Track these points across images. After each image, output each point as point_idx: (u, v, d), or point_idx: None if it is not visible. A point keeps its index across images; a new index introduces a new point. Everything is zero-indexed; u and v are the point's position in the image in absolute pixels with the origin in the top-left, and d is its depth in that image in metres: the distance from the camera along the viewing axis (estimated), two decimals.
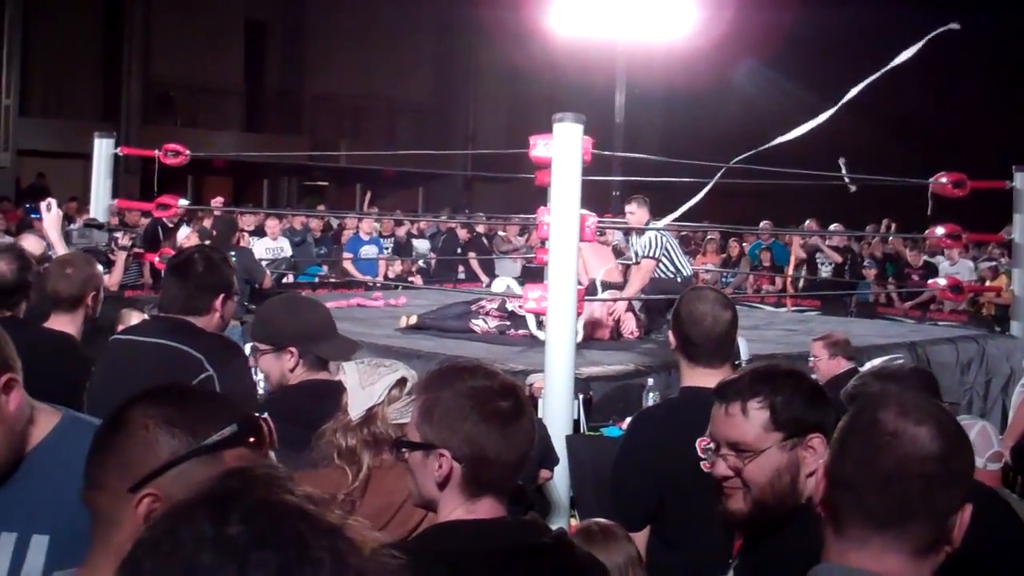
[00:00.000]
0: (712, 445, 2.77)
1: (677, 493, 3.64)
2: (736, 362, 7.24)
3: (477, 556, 2.42)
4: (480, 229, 18.74)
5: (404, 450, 2.54)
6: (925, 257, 16.04)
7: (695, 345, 3.86)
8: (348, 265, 15.93)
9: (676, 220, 11.08)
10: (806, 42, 26.87)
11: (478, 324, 9.55)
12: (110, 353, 4.32)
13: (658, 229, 10.10)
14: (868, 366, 3.73)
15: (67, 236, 7.52)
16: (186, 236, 12.84)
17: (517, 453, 2.49)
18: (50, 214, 6.69)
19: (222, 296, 4.21)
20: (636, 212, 10.17)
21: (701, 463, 3.30)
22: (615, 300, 9.85)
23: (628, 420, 4.58)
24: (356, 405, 3.32)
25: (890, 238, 16.89)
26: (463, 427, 2.43)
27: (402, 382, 3.36)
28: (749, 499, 2.68)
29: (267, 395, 4.01)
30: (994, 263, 15.15)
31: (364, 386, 3.33)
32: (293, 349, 3.90)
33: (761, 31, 26.38)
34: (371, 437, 3.30)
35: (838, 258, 16.14)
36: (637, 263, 10.22)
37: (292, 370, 3.90)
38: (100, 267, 5.09)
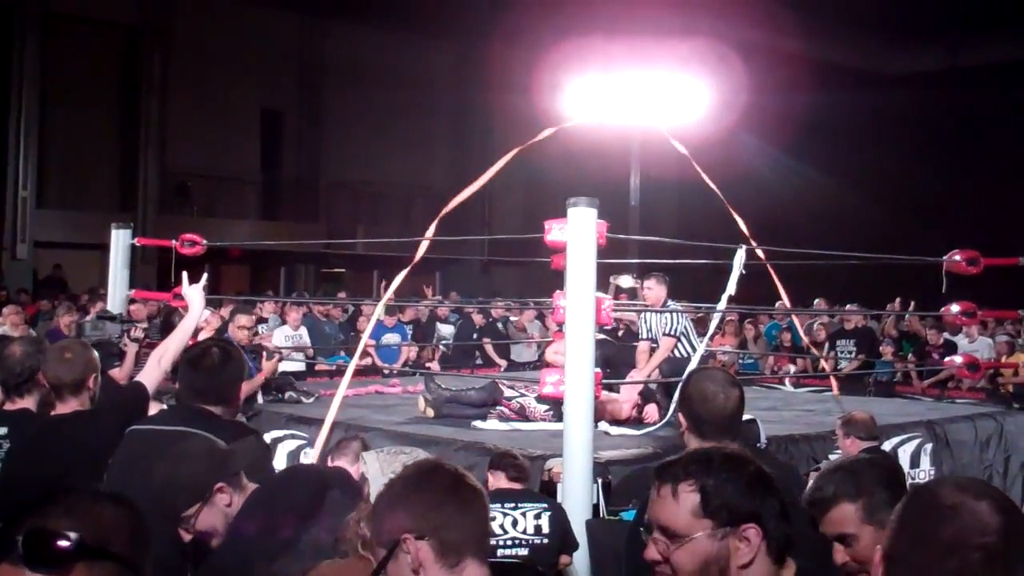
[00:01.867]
0: (647, 526, 2.64)
1: None
2: (758, 444, 7.26)
3: None
4: (495, 314, 18.77)
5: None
6: (946, 335, 16.02)
7: (707, 423, 3.95)
8: (371, 352, 15.92)
9: (690, 302, 11.10)
10: (819, 126, 27.07)
11: (495, 413, 9.48)
12: (128, 444, 4.32)
13: (675, 310, 10.13)
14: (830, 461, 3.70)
15: (80, 328, 7.56)
16: (206, 320, 12.81)
17: (476, 518, 2.59)
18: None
19: (241, 385, 4.31)
20: (654, 288, 10.22)
21: None
22: (634, 383, 9.81)
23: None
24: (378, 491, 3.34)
25: (907, 316, 16.88)
26: (415, 507, 2.54)
27: None
28: None
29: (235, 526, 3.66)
30: (1007, 338, 15.15)
31: (386, 474, 3.36)
32: (222, 484, 3.64)
33: (773, 116, 26.62)
34: None
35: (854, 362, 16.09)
36: (654, 341, 10.23)
37: (230, 504, 3.66)
38: (96, 353, 5.12)
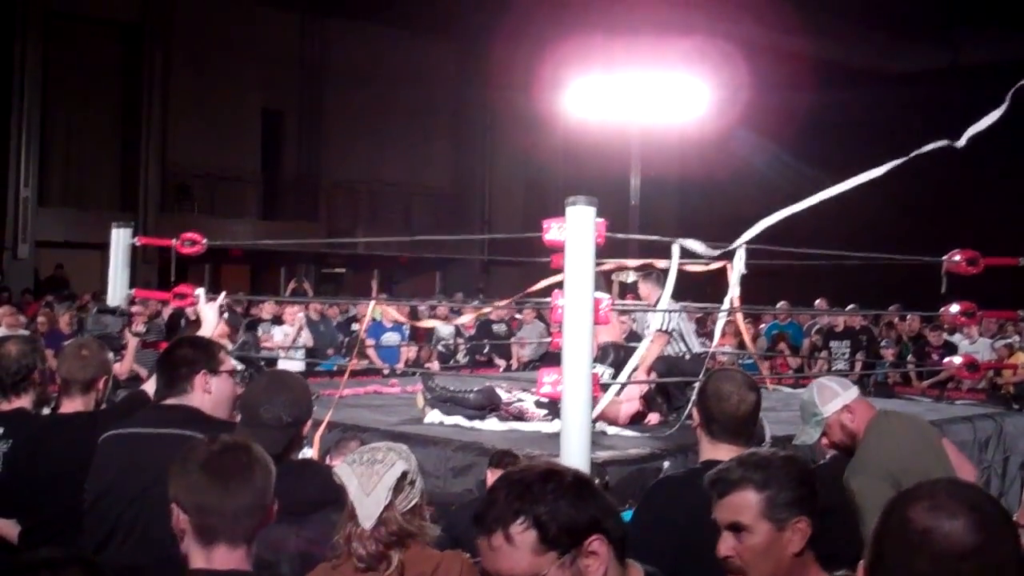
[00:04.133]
0: None
1: (691, 560, 3.59)
2: (763, 443, 7.24)
3: None
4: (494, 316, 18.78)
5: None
6: (945, 336, 16.04)
7: (718, 422, 3.95)
8: (370, 352, 15.84)
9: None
10: (820, 124, 27.02)
11: (494, 414, 9.45)
12: (110, 449, 4.13)
13: (671, 309, 10.09)
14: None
15: (81, 323, 7.58)
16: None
17: (231, 503, 2.74)
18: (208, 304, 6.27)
19: (202, 372, 4.22)
20: (641, 288, 10.30)
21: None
22: (633, 383, 9.76)
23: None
24: (365, 514, 3.36)
25: (908, 317, 16.86)
26: (185, 480, 2.76)
27: (401, 476, 3.43)
28: None
29: None
30: (1010, 341, 15.14)
31: (368, 492, 3.37)
32: None
33: (775, 114, 26.59)
34: (394, 536, 3.37)
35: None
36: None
37: None
38: (111, 354, 5.14)
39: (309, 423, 4.11)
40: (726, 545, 2.89)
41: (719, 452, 3.87)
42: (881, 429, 4.72)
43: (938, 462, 4.78)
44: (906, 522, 1.92)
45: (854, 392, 4.93)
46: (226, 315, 13.38)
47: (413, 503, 3.44)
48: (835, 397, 4.87)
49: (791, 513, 2.86)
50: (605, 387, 8.55)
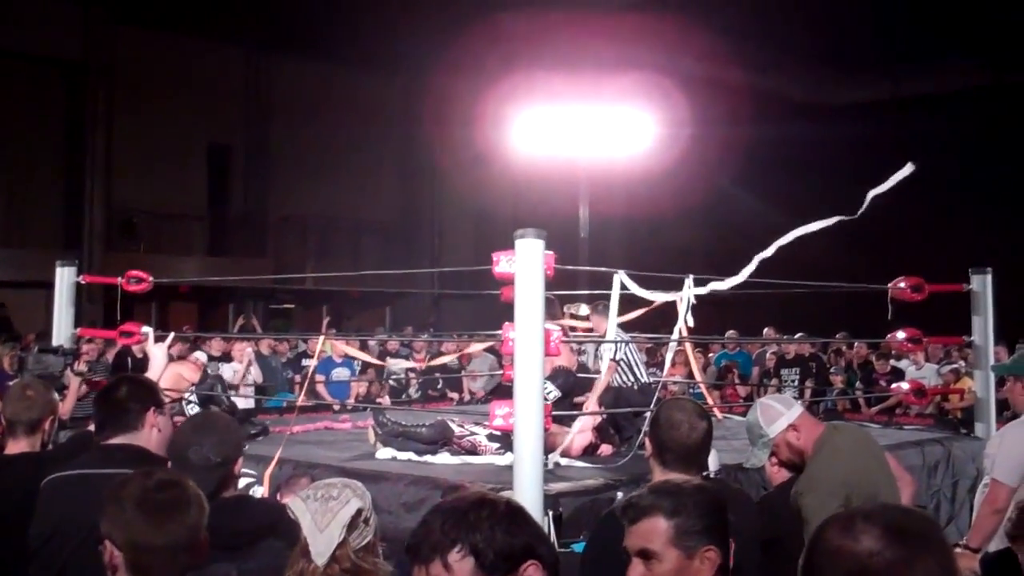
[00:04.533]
0: None
1: None
2: (705, 473, 7.25)
3: None
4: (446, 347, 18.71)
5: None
6: (892, 362, 16.18)
7: (670, 451, 4.01)
8: (320, 388, 15.75)
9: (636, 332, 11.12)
10: (764, 157, 27.22)
11: (446, 448, 9.41)
12: (57, 491, 4.09)
13: (622, 340, 10.12)
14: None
15: (22, 363, 7.50)
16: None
17: (166, 539, 2.79)
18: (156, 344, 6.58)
19: (152, 410, 4.20)
20: (592, 320, 10.36)
21: None
22: (581, 414, 9.77)
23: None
24: (318, 551, 3.34)
25: (855, 344, 16.98)
26: (119, 517, 2.80)
27: (356, 514, 3.41)
28: None
29: None
30: (956, 366, 15.27)
31: (322, 529, 3.35)
32: None
33: (719, 147, 26.79)
34: (347, 574, 3.35)
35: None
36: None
37: None
38: (56, 394, 5.11)
39: (240, 461, 4.11)
40: (635, 572, 2.88)
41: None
42: (831, 445, 4.74)
43: (883, 474, 4.82)
44: (823, 541, 1.98)
45: (798, 409, 4.95)
46: (204, 360, 13.35)
47: (367, 541, 3.42)
48: (780, 417, 4.89)
49: (700, 541, 2.86)
50: (556, 419, 8.56)
